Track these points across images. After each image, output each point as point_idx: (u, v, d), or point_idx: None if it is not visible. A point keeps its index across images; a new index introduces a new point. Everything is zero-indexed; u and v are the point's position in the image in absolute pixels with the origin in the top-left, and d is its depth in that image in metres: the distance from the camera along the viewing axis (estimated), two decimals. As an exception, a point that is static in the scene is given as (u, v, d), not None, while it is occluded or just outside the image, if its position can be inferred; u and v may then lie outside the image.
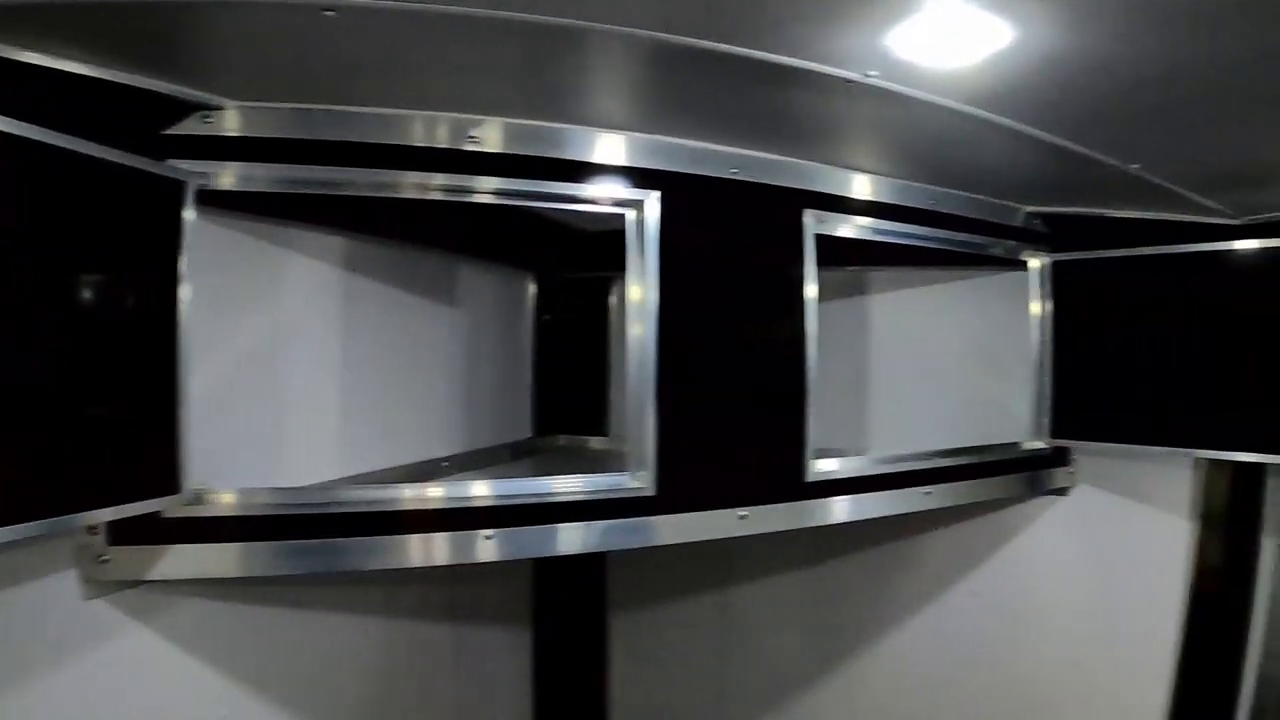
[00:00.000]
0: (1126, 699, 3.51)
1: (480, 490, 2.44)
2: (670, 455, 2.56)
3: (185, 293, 2.09)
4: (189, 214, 2.12)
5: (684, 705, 4.31)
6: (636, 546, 2.64)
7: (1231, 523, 3.33)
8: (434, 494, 2.41)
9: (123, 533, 2.08)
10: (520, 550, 2.50)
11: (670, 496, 2.57)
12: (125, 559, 2.11)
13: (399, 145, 2.35)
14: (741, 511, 2.70)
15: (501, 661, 4.09)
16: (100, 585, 2.12)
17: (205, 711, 2.51)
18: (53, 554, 2.01)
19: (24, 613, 1.97)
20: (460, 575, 3.59)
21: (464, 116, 2.39)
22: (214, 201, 2.24)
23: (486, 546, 2.40)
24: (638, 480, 2.54)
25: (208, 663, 2.49)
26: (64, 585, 2.05)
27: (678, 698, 4.31)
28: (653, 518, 2.57)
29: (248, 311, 2.54)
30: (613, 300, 3.91)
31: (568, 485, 2.51)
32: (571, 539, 2.52)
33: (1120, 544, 3.52)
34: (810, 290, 2.80)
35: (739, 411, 2.74)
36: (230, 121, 2.23)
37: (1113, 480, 3.50)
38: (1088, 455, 3.53)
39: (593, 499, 2.52)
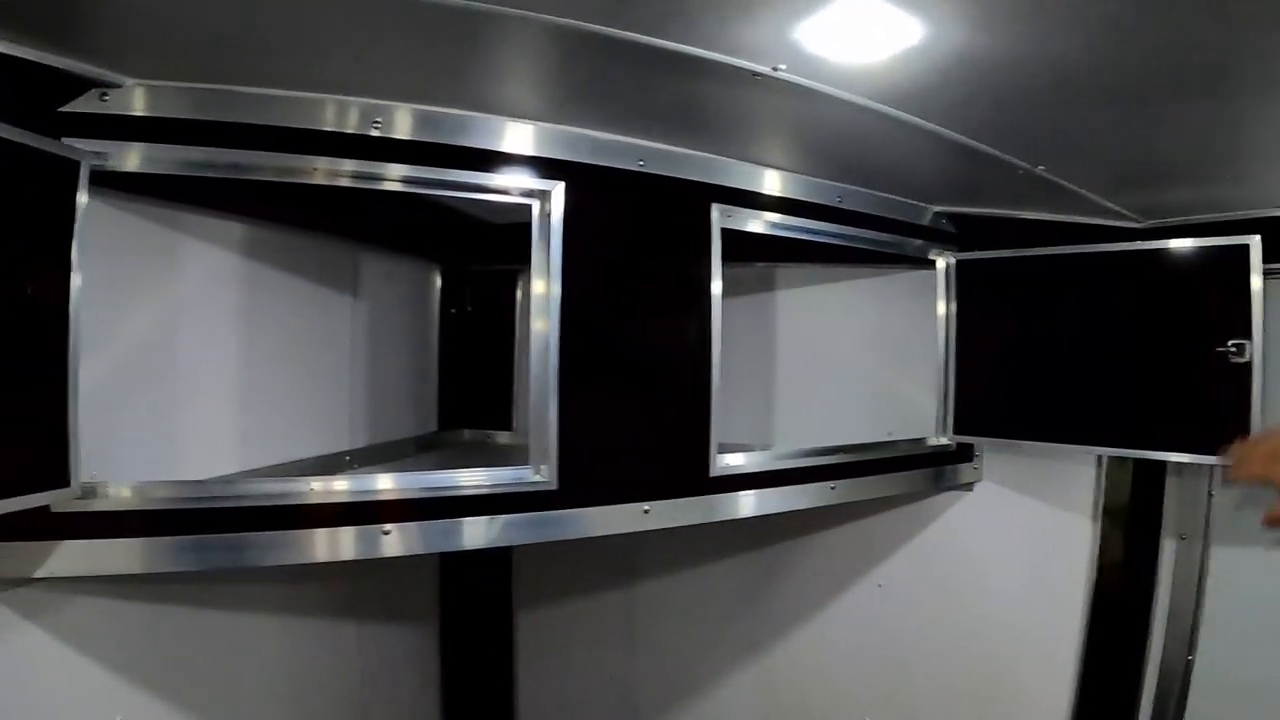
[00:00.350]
0: (1033, 691, 3.57)
1: (384, 484, 2.40)
2: (572, 449, 2.54)
3: (77, 278, 2.00)
4: (83, 196, 2.02)
5: (592, 701, 4.30)
6: (539, 541, 2.61)
7: (1133, 520, 3.42)
8: (339, 487, 2.36)
9: (10, 529, 1.98)
10: (424, 545, 2.47)
11: (573, 491, 2.55)
12: (13, 556, 2.03)
13: (308, 129, 2.30)
14: (645, 506, 2.68)
15: (407, 658, 4.05)
16: None
17: (99, 714, 2.43)
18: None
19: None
20: (364, 571, 3.52)
21: (374, 102, 2.34)
22: (110, 183, 2.17)
23: (390, 541, 2.37)
24: (540, 474, 2.52)
25: (102, 663, 2.41)
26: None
27: (585, 694, 4.30)
28: (555, 512, 2.55)
29: (143, 299, 2.45)
30: (519, 294, 3.86)
31: (471, 479, 2.48)
32: (475, 533, 2.48)
33: (1025, 540, 3.59)
34: (716, 285, 2.79)
35: (643, 406, 2.73)
36: (130, 100, 2.15)
37: (1017, 477, 3.56)
38: (993, 452, 3.58)
39: (495, 493, 2.49)
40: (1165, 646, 3.43)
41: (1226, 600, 3.35)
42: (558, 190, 2.51)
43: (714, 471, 2.80)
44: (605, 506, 2.64)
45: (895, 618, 3.79)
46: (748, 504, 2.93)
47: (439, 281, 3.86)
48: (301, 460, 2.96)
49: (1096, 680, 3.47)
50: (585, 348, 2.56)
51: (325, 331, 3.20)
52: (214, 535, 2.22)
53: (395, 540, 2.38)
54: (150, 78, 2.16)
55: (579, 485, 2.56)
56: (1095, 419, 3.13)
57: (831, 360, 3.71)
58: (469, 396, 3.86)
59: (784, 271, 3.78)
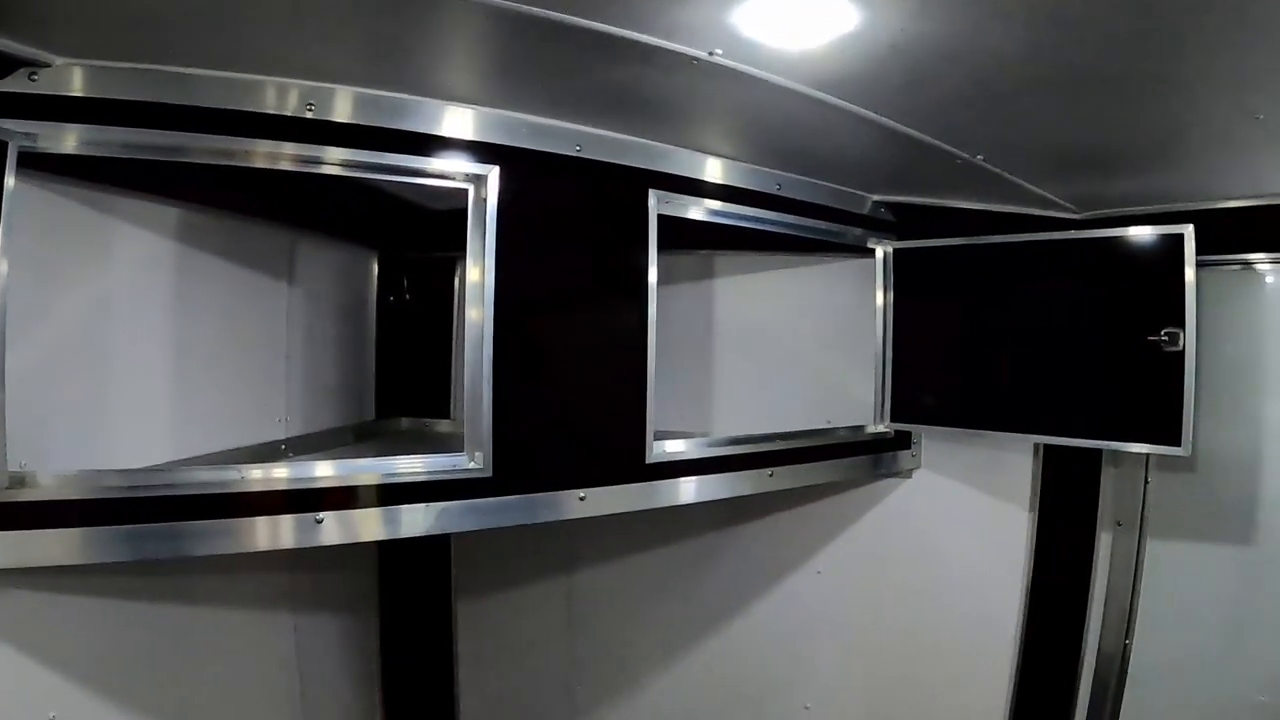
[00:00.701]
0: (973, 675, 3.62)
1: (321, 471, 2.39)
2: (507, 436, 2.54)
3: (2, 263, 1.96)
4: (10, 179, 1.98)
5: (533, 690, 4.31)
6: (475, 529, 2.60)
7: (1071, 508, 3.49)
8: (276, 475, 2.34)
9: None
10: (360, 533, 2.44)
11: (508, 478, 2.55)
12: None
13: (246, 111, 2.27)
14: (580, 493, 2.68)
15: (346, 650, 4.02)
16: None
17: (33, 709, 2.38)
18: None
19: None
20: (300, 562, 3.51)
21: (312, 84, 2.32)
22: (40, 165, 2.14)
23: (327, 529, 2.35)
24: (475, 461, 2.51)
25: (35, 658, 2.36)
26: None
27: (526, 683, 4.30)
28: (491, 499, 2.54)
29: (72, 284, 2.41)
30: (458, 282, 3.83)
31: (407, 465, 2.47)
32: (412, 521, 2.48)
33: (964, 527, 3.63)
34: (652, 271, 2.79)
35: (578, 393, 2.74)
36: (61, 80, 2.11)
37: (956, 465, 3.60)
38: (931, 440, 3.61)
39: (431, 480, 2.48)
40: (1102, 633, 3.48)
41: (1162, 587, 3.40)
42: (493, 175, 2.50)
43: (650, 458, 2.80)
44: (540, 494, 2.63)
45: (834, 604, 3.82)
46: (685, 491, 2.94)
47: (377, 269, 3.83)
48: (237, 449, 2.93)
49: (1036, 665, 3.53)
50: (520, 334, 2.55)
51: (261, 318, 3.17)
52: (149, 525, 2.18)
53: (332, 528, 2.36)
54: (81, 57, 2.12)
55: (514, 472, 2.55)
56: (1031, 407, 3.17)
57: (771, 348, 3.72)
58: (407, 384, 3.83)
59: (723, 259, 3.79)
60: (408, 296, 3.88)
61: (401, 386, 3.81)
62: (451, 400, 3.80)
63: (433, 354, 3.82)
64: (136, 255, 2.63)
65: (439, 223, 3.39)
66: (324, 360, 3.47)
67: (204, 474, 2.29)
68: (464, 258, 2.51)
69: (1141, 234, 2.90)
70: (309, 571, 3.61)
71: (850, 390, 3.55)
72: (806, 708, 3.89)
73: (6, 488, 2.01)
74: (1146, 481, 3.40)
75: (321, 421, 3.39)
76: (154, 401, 2.72)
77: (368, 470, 2.44)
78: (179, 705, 2.95)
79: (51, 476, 2.09)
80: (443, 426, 3.85)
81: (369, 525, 2.45)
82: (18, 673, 2.32)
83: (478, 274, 2.48)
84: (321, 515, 2.33)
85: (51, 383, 2.31)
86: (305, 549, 3.25)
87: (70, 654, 2.49)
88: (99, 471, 2.18)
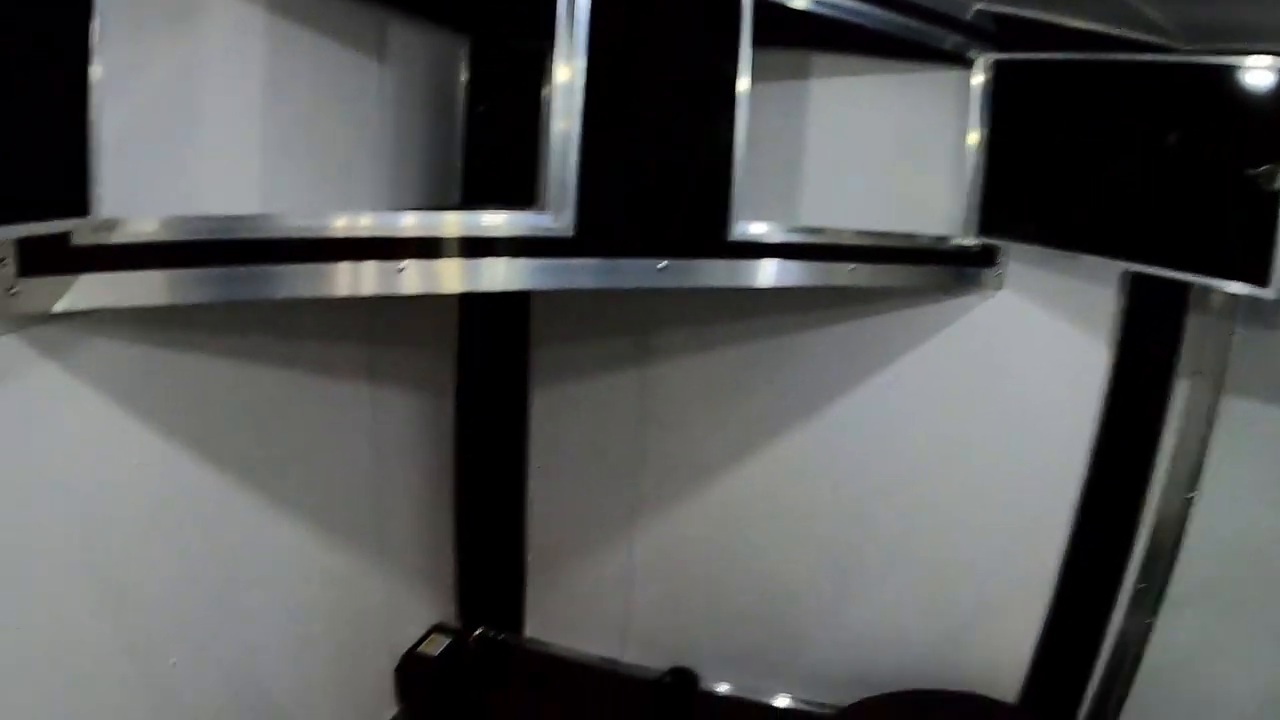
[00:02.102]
0: (1033, 507, 3.63)
1: (406, 221, 2.42)
2: (592, 198, 2.53)
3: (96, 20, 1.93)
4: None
5: (600, 478, 4.39)
6: (554, 287, 2.63)
7: (1149, 351, 3.39)
8: (362, 223, 2.37)
9: (32, 263, 1.97)
10: (441, 284, 2.49)
11: (590, 239, 2.55)
12: (35, 290, 2.00)
13: None
14: (662, 262, 2.69)
15: (421, 428, 4.15)
16: (10, 320, 2.03)
17: (117, 457, 2.45)
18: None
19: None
20: (381, 338, 3.59)
21: None
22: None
23: (408, 278, 2.38)
24: (559, 221, 2.52)
25: (121, 407, 2.42)
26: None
27: (594, 471, 4.39)
28: (572, 259, 2.56)
29: (163, 42, 2.39)
30: (548, 66, 3.75)
31: (490, 221, 2.50)
32: (492, 274, 2.51)
33: (1039, 356, 3.56)
34: (745, 52, 2.72)
35: (666, 163, 2.71)
36: None
37: (1038, 291, 3.51)
38: (1017, 262, 3.52)
39: (514, 236, 2.51)
40: (1166, 486, 3.43)
41: (1234, 444, 3.33)
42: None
43: (733, 236, 2.78)
44: (621, 259, 2.65)
45: (903, 418, 3.81)
46: (765, 273, 2.92)
47: (467, 54, 3.78)
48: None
49: (1093, 520, 3.51)
50: (610, 98, 2.52)
51: (350, 96, 3.17)
52: (234, 267, 2.22)
53: (413, 276, 2.39)
54: None
55: (596, 234, 2.56)
56: (1122, 233, 3.08)
57: (860, 156, 3.64)
58: (494, 173, 3.77)
59: (817, 60, 3.67)
60: (498, 84, 3.82)
61: (488, 175, 3.76)
62: (538, 189, 3.76)
63: (520, 143, 3.77)
64: (228, 20, 2.61)
65: (531, 6, 3.37)
66: (411, 143, 3.46)
67: (289, 220, 2.32)
68: (554, 38, 2.49)
69: (1252, 64, 2.79)
70: (388, 347, 3.68)
71: (937, 204, 3.47)
72: (866, 513, 3.92)
73: (98, 229, 2.04)
74: (1232, 332, 3.31)
75: (407, 204, 3.39)
76: (243, 169, 2.75)
77: (451, 223, 2.47)
78: (260, 462, 3.04)
79: (141, 220, 2.12)
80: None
81: (449, 276, 2.48)
82: (106, 419, 2.39)
83: (567, 40, 2.47)
84: (403, 264, 2.36)
85: (144, 137, 2.31)
86: (386, 321, 3.36)
87: (157, 406, 2.55)
88: (187, 217, 2.20)
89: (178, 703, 2.80)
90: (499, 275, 2.52)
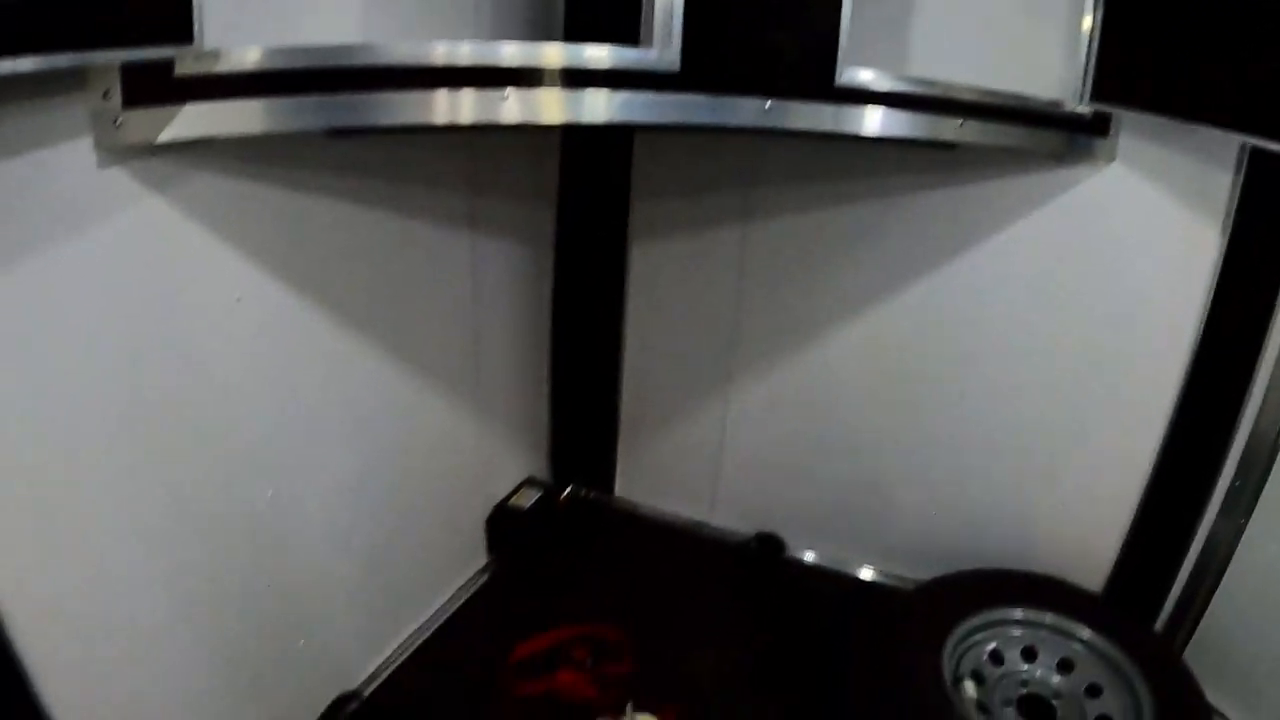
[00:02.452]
0: (1126, 401, 3.58)
1: (508, 50, 2.39)
2: (698, 33, 2.48)
3: None
4: None
5: (696, 338, 4.40)
6: (657, 121, 2.58)
7: (1263, 240, 3.22)
8: (463, 51, 2.35)
9: (136, 94, 2.00)
10: (542, 114, 2.46)
11: (695, 75, 2.51)
12: (140, 121, 2.04)
13: None
14: (767, 103, 2.63)
15: (520, 279, 4.18)
16: (115, 152, 2.07)
17: (219, 290, 2.51)
18: (67, 120, 1.95)
19: (41, 179, 1.93)
20: (482, 188, 3.59)
21: None
22: None
23: (509, 107, 2.37)
24: (664, 56, 2.48)
25: (224, 240, 2.47)
26: (78, 153, 2.00)
27: (691, 330, 4.40)
28: (676, 94, 2.52)
29: None
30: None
31: (594, 53, 2.46)
32: (594, 106, 2.48)
33: (1147, 235, 3.43)
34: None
35: (773, 2, 2.63)
36: None
37: (1151, 166, 3.35)
38: (1130, 137, 3.39)
39: (618, 69, 2.47)
40: (1271, 379, 3.26)
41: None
42: None
43: (840, 80, 2.70)
44: (727, 96, 2.59)
45: (1004, 291, 3.72)
46: (871, 121, 2.84)
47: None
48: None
49: (1197, 398, 3.40)
50: None
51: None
52: (335, 95, 2.23)
53: (514, 105, 2.37)
54: None
55: (702, 70, 2.51)
56: (1244, 104, 2.95)
57: (972, 13, 3.54)
58: (597, 10, 3.68)
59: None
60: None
61: (591, 13, 3.68)
62: (642, 28, 3.71)
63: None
64: None
65: None
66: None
67: (389, 49, 2.31)
68: None
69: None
70: (490, 196, 3.69)
71: (1051, 66, 3.35)
72: (960, 388, 3.90)
73: (200, 58, 2.05)
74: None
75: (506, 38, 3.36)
76: (343, 3, 2.76)
77: (553, 54, 2.44)
78: (359, 304, 3.09)
79: (244, 50, 2.13)
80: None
81: (550, 107, 2.45)
82: (207, 253, 2.45)
83: None
84: (506, 92, 2.35)
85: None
86: (488, 170, 3.36)
87: (259, 241, 2.60)
88: (289, 47, 2.21)
89: (273, 533, 2.89)
90: (600, 107, 2.48)
